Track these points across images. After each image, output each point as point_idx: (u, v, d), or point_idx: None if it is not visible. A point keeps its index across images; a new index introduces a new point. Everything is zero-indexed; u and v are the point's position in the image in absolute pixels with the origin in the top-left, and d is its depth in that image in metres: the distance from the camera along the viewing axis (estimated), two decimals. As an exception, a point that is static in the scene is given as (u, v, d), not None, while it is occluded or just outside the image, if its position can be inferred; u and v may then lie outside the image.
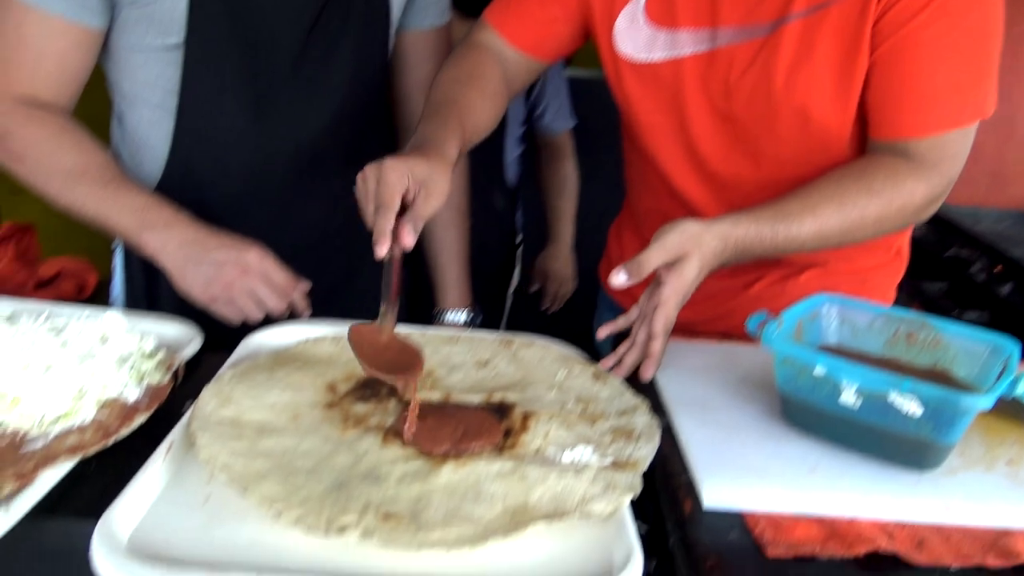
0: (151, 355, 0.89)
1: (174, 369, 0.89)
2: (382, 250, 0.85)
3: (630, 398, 0.90)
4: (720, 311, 1.23)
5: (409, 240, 0.88)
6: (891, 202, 1.00)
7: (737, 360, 1.02)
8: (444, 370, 0.96)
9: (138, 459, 0.74)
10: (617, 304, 1.38)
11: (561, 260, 2.09)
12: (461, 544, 0.66)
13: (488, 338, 1.04)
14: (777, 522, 0.72)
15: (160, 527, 0.68)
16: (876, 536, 0.70)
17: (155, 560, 0.63)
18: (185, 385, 0.89)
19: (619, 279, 0.91)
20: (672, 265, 0.93)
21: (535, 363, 0.98)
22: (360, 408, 0.86)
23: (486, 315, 1.51)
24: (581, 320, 1.52)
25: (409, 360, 0.86)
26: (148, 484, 0.71)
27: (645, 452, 0.79)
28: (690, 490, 0.76)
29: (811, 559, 0.68)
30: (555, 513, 0.70)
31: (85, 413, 0.78)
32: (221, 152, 1.16)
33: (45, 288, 1.41)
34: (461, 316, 1.36)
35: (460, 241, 1.37)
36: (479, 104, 1.09)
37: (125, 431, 0.77)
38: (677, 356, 0.99)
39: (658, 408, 0.90)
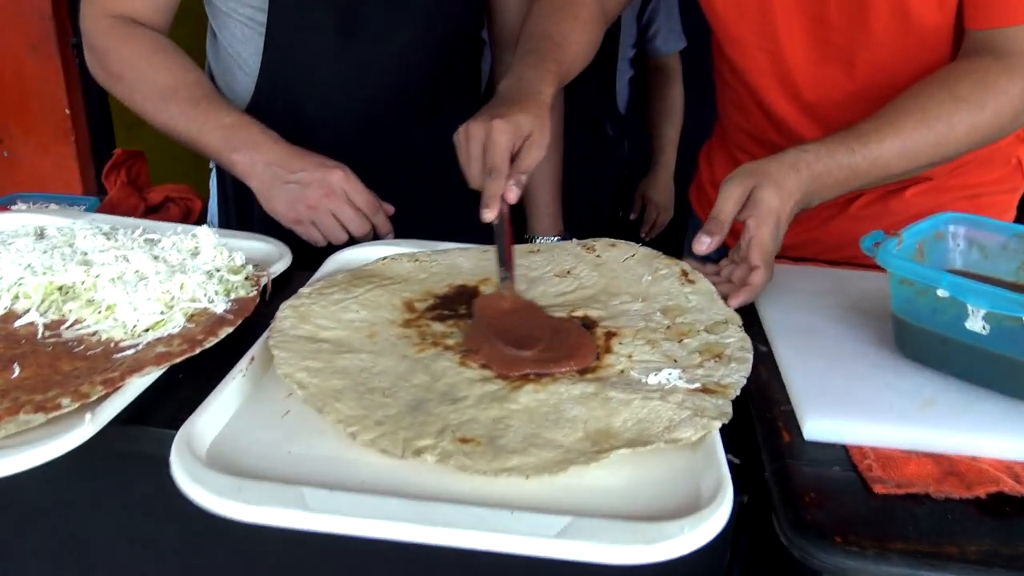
0: (239, 270, 0.89)
1: (262, 285, 0.89)
2: (492, 214, 0.85)
3: (721, 308, 0.84)
4: (819, 233, 1.15)
5: (514, 197, 0.86)
6: (982, 107, 0.89)
7: (843, 285, 0.94)
8: (524, 284, 0.93)
9: (223, 370, 0.74)
10: None
11: (663, 188, 2.03)
12: (540, 470, 0.62)
13: (569, 246, 0.99)
14: (886, 457, 0.66)
15: (239, 439, 0.68)
16: (1001, 476, 0.64)
17: (232, 471, 0.63)
18: (273, 302, 0.88)
19: (702, 243, 0.86)
20: (747, 202, 0.87)
21: (619, 266, 0.93)
22: (438, 327, 0.84)
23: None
24: (672, 246, 1.46)
25: (537, 326, 0.83)
26: (229, 397, 0.71)
27: (737, 377, 0.74)
28: (790, 420, 0.71)
29: (924, 498, 0.62)
30: (639, 439, 0.66)
31: (174, 323, 0.79)
32: (309, 69, 1.14)
33: (153, 214, 1.45)
34: (552, 242, 1.32)
35: (554, 165, 1.33)
36: (574, 36, 1.05)
37: (211, 342, 0.77)
38: (778, 280, 0.92)
39: (758, 334, 0.84)
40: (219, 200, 1.26)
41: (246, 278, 0.88)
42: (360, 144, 1.17)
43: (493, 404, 0.71)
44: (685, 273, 0.90)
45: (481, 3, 1.27)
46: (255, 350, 0.78)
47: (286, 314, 0.83)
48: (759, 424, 0.72)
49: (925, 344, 0.75)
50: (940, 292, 0.71)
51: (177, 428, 0.66)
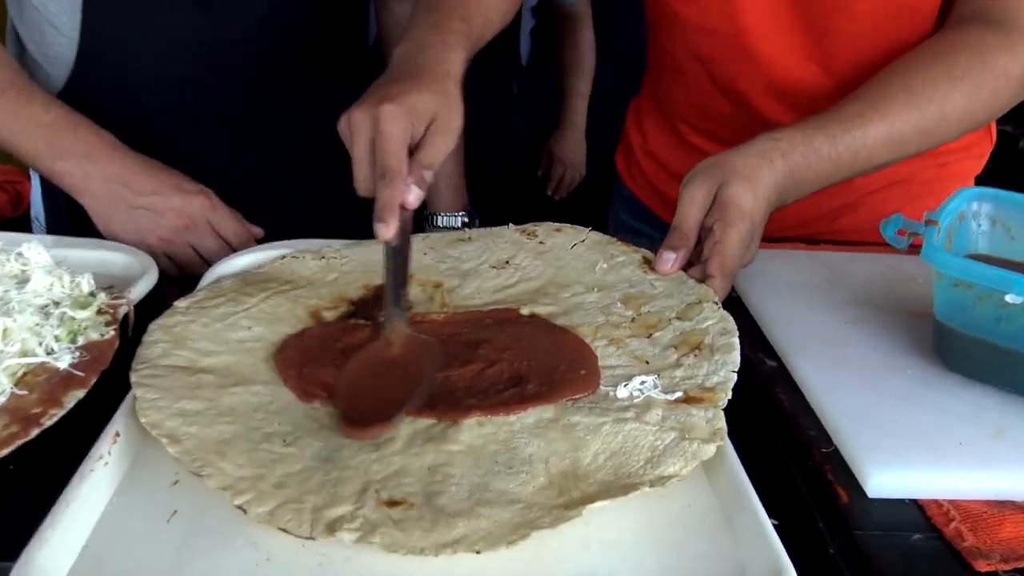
0: (86, 301, 0.65)
1: (120, 317, 0.66)
2: (389, 230, 0.62)
3: (692, 288, 0.70)
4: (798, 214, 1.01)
5: (415, 201, 0.65)
6: (979, 87, 0.77)
7: (838, 273, 0.81)
8: (455, 279, 0.75)
9: (77, 457, 0.52)
10: (636, 198, 1.16)
11: (572, 145, 1.87)
12: (493, 541, 0.47)
13: (505, 231, 0.81)
14: (973, 516, 0.52)
15: (104, 569, 0.47)
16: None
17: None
18: (138, 337, 0.66)
19: (666, 260, 0.72)
20: (713, 204, 0.71)
21: (567, 254, 0.77)
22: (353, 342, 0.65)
23: (496, 212, 1.28)
24: (594, 215, 1.30)
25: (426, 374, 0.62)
26: (85, 503, 0.50)
27: (724, 372, 0.60)
28: (839, 468, 0.56)
29: (1038, 572, 0.49)
30: (616, 483, 0.51)
31: (-4, 389, 0.56)
32: (146, 43, 0.89)
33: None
34: (456, 220, 1.13)
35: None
36: None
37: (54, 416, 0.54)
38: (759, 269, 0.77)
39: (761, 345, 0.69)
40: (43, 189, 0.98)
41: (99, 311, 0.65)
42: (227, 136, 0.94)
43: (428, 446, 0.55)
44: (647, 260, 0.74)
45: None
46: (120, 420, 0.56)
47: (155, 337, 0.63)
48: (799, 474, 0.57)
49: (982, 358, 0.61)
50: (1009, 298, 0.57)
51: (9, 559, 0.45)
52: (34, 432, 0.53)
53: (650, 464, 0.52)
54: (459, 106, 0.70)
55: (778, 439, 0.60)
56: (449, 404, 0.58)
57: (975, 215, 0.72)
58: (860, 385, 0.62)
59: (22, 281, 0.66)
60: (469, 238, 0.81)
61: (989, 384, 0.62)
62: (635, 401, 0.58)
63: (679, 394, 0.58)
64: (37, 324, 0.61)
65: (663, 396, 0.58)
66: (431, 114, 0.67)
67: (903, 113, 0.76)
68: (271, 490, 0.51)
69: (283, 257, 0.77)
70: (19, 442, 0.52)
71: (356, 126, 0.65)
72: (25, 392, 0.56)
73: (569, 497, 0.50)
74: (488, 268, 0.76)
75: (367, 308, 0.70)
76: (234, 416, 0.57)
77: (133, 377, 0.59)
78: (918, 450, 0.55)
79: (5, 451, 0.52)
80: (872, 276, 0.79)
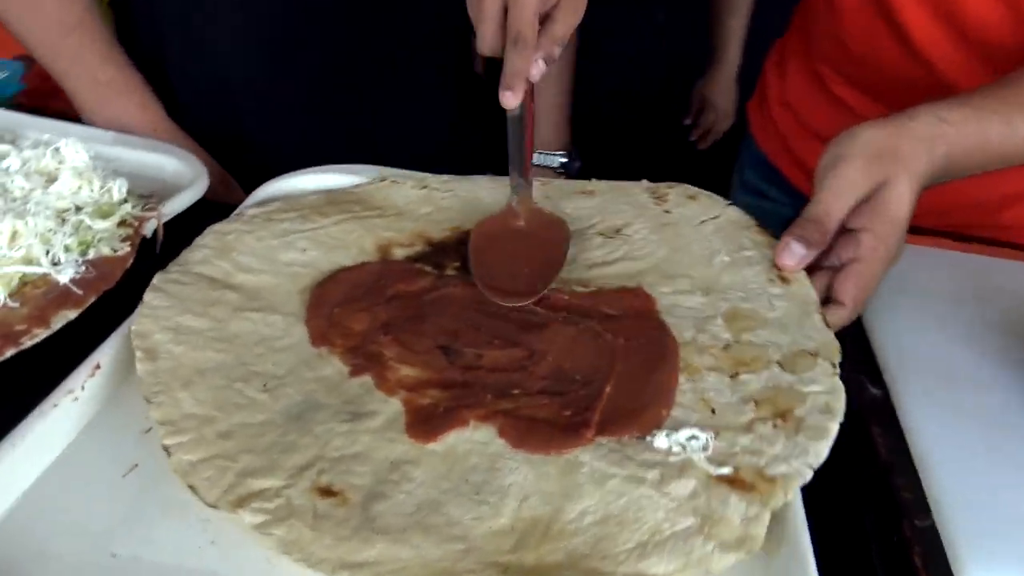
0: (111, 209, 0.60)
1: (148, 232, 0.61)
2: (516, 98, 0.59)
3: (815, 331, 0.52)
4: (949, 197, 0.84)
5: (538, 74, 0.60)
6: None
7: (995, 287, 0.65)
8: None
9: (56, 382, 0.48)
10: (765, 156, 1.01)
11: (724, 89, 1.69)
12: None
13: (634, 189, 0.68)
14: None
15: (38, 523, 0.42)
16: None
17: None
18: (168, 257, 0.60)
19: (794, 254, 0.56)
20: (867, 203, 0.56)
21: (691, 231, 0.63)
22: None
23: (619, 157, 1.16)
24: (718, 171, 1.16)
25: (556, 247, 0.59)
26: (41, 440, 0.45)
27: (798, 465, 0.43)
28: (932, 547, 0.44)
29: None
30: (582, 562, 0.40)
31: (-12, 299, 0.52)
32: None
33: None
34: (553, 160, 1.02)
35: (567, 63, 1.00)
36: None
37: (36, 336, 0.50)
38: (899, 268, 0.62)
39: (866, 366, 0.56)
40: None
41: (121, 222, 0.60)
42: (266, 68, 0.86)
43: (406, 434, 0.46)
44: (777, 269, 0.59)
45: None
46: (105, 350, 0.50)
47: (205, 241, 0.60)
48: (878, 550, 0.45)
49: None
50: None
51: None
52: (9, 352, 0.49)
53: (638, 551, 0.40)
54: None
55: (861, 494, 0.48)
56: (462, 393, 0.49)
57: None
58: (985, 446, 0.49)
59: (52, 180, 0.61)
60: (592, 191, 0.68)
61: None
62: (670, 459, 0.44)
63: (728, 469, 0.43)
64: (50, 230, 0.56)
65: (707, 466, 0.44)
66: None
67: None
68: (212, 438, 0.45)
69: (383, 180, 0.69)
70: (-7, 358, 0.48)
71: None
72: (16, 305, 0.52)
73: (519, 559, 0.40)
74: (595, 235, 0.63)
75: (443, 254, 0.61)
76: (231, 345, 0.51)
77: (156, 278, 0.55)
78: (1044, 548, 0.42)
79: (-29, 370, 0.47)
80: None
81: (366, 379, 0.50)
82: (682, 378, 0.49)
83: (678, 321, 0.54)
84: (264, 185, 0.69)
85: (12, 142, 0.66)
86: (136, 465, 0.46)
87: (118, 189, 0.62)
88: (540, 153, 1.04)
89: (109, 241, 0.57)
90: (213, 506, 0.41)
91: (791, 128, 0.96)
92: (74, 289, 0.53)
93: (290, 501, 0.41)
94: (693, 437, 0.45)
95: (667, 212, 0.65)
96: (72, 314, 0.52)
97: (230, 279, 0.57)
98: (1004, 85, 0.60)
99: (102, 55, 0.78)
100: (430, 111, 0.95)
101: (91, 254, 0.56)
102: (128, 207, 0.61)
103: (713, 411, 0.47)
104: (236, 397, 0.48)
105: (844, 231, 0.56)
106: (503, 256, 0.59)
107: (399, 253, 0.61)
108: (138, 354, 0.49)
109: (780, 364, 0.50)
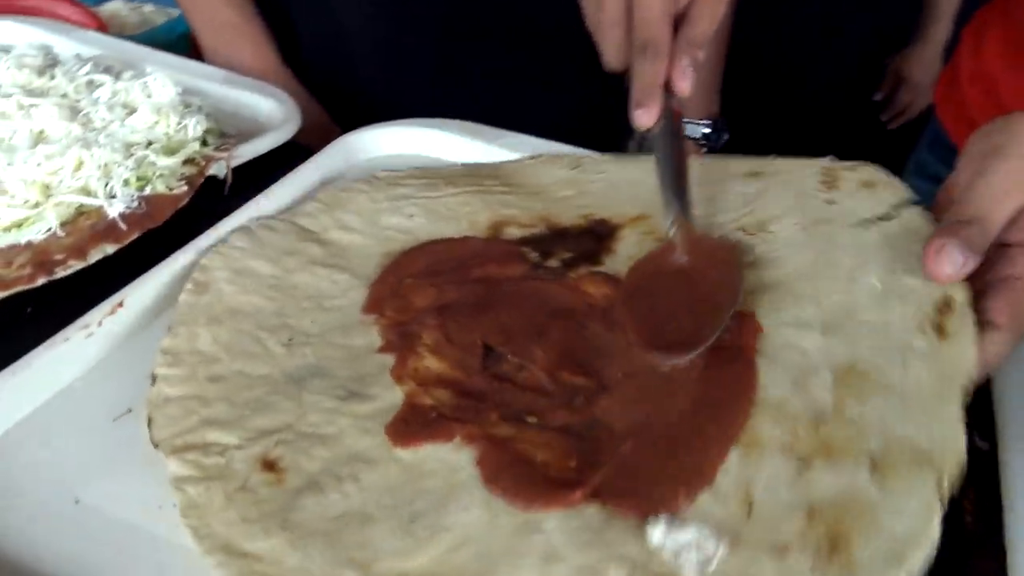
0: (180, 145, 0.60)
1: (215, 174, 0.60)
2: (649, 116, 0.50)
3: (947, 422, 0.38)
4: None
5: (687, 85, 0.51)
6: None
7: None
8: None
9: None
10: (946, 137, 0.87)
11: (926, 65, 1.50)
12: None
13: (807, 170, 0.55)
14: None
15: (21, 455, 0.42)
16: None
17: None
18: (235, 199, 0.59)
19: (953, 264, 0.43)
20: None
21: (847, 236, 0.49)
22: None
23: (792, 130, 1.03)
24: (896, 154, 1.00)
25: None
26: (41, 375, 0.45)
27: None
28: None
29: None
30: None
31: (42, 224, 0.53)
32: None
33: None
34: (696, 130, 0.92)
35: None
36: None
37: (67, 269, 0.51)
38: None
39: (978, 407, 0.45)
40: None
41: (189, 161, 0.60)
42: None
43: (384, 430, 0.42)
44: (947, 305, 0.43)
45: None
46: (133, 290, 0.50)
47: (322, 195, 0.59)
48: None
49: None
50: None
51: None
52: (40, 280, 0.50)
53: None
54: None
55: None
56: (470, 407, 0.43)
57: None
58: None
59: (132, 111, 0.62)
60: (760, 172, 0.57)
61: None
62: (651, 563, 0.34)
63: None
64: (114, 163, 0.56)
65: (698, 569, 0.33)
66: None
67: None
68: (201, 378, 0.44)
69: (537, 157, 0.62)
70: (19, 287, 0.49)
71: None
72: (63, 235, 0.53)
73: None
74: (735, 229, 0.53)
75: (558, 241, 0.54)
76: (282, 295, 0.50)
77: (253, 221, 0.56)
78: None
79: (2, 293, 0.48)
80: None
81: (389, 359, 0.46)
82: (734, 453, 0.38)
83: (775, 369, 0.42)
84: (342, 137, 0.67)
85: (118, 74, 0.68)
86: (130, 410, 0.45)
87: (193, 127, 0.62)
88: (684, 121, 0.95)
89: (167, 179, 0.57)
90: (155, 445, 0.40)
91: (983, 106, 0.82)
92: (120, 224, 0.53)
93: (229, 463, 0.39)
94: (690, 543, 0.34)
95: (830, 203, 0.52)
96: (111, 248, 0.52)
97: (324, 234, 0.55)
98: None
99: None
100: (562, 83, 0.88)
101: (148, 190, 0.56)
102: (196, 146, 0.60)
103: (750, 510, 0.36)
104: (252, 345, 0.47)
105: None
106: (660, 301, 0.48)
107: (513, 233, 0.55)
108: (189, 285, 0.49)
109: (872, 462, 0.37)
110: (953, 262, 0.43)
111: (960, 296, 0.43)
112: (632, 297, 0.48)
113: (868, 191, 0.52)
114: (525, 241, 0.54)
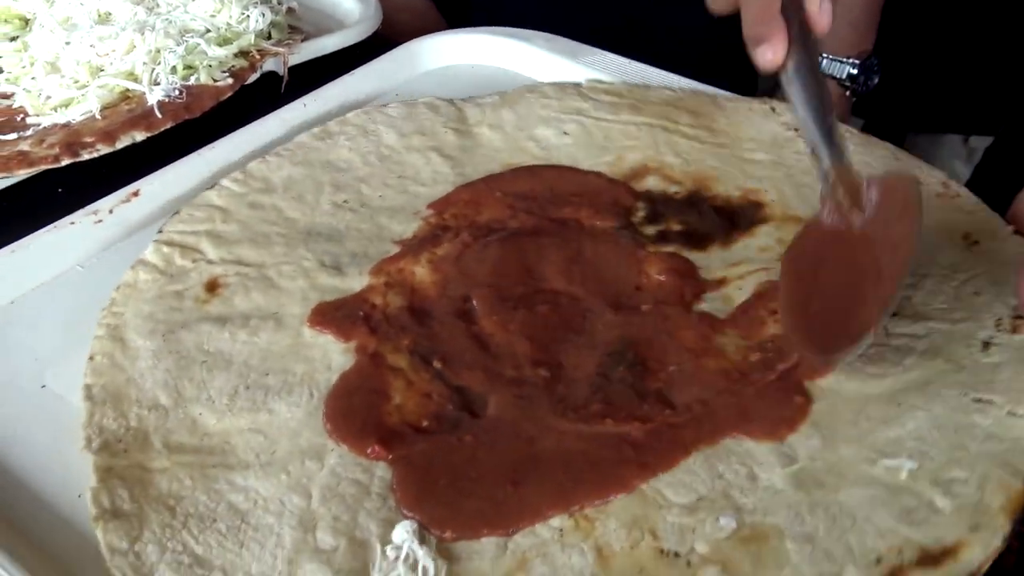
0: (234, 36, 0.57)
1: (260, 69, 0.57)
2: (775, 53, 0.39)
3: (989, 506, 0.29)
4: None
5: (826, 20, 0.40)
6: None
7: None
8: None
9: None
10: None
11: None
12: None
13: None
14: None
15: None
16: None
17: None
18: (289, 95, 0.57)
19: None
20: None
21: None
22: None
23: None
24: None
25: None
26: (36, 257, 0.44)
27: None
28: None
29: None
30: None
31: (86, 106, 0.52)
32: None
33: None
34: (842, 69, 0.78)
35: None
36: None
37: (93, 152, 0.49)
38: None
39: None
40: None
41: (243, 54, 0.57)
42: None
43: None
44: None
45: None
46: (153, 181, 0.49)
47: (503, 92, 0.56)
48: None
49: None
50: None
51: None
52: (65, 161, 0.49)
53: None
54: None
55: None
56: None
57: None
58: None
59: (199, -1, 0.60)
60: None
61: None
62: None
63: None
64: (165, 48, 0.55)
65: None
66: None
67: None
68: (244, 201, 0.48)
69: (766, 102, 0.54)
70: (43, 167, 0.48)
71: None
72: (100, 119, 0.52)
73: None
74: None
75: (686, 209, 0.46)
76: (379, 165, 0.51)
77: (400, 102, 0.55)
78: None
79: (24, 172, 0.48)
80: None
81: (396, 250, 0.45)
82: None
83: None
84: (412, 41, 0.62)
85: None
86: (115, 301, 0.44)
87: (257, 18, 0.59)
88: (824, 58, 0.82)
89: (213, 70, 0.55)
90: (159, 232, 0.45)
91: None
92: (156, 112, 0.52)
93: (190, 271, 0.43)
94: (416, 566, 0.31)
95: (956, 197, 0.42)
96: (140, 136, 0.50)
97: (474, 127, 0.54)
98: None
99: None
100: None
101: (192, 80, 0.54)
102: (251, 38, 0.58)
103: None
104: (309, 193, 0.49)
105: None
106: (819, 287, 0.39)
107: (649, 184, 0.49)
108: (316, 129, 0.53)
109: None
110: None
111: None
112: (792, 281, 0.39)
113: None
114: (650, 197, 0.48)
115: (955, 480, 0.29)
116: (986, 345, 0.34)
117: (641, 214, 0.46)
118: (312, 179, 0.49)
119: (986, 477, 0.29)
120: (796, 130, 0.49)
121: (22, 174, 0.48)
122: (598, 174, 0.50)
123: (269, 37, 0.60)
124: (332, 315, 0.41)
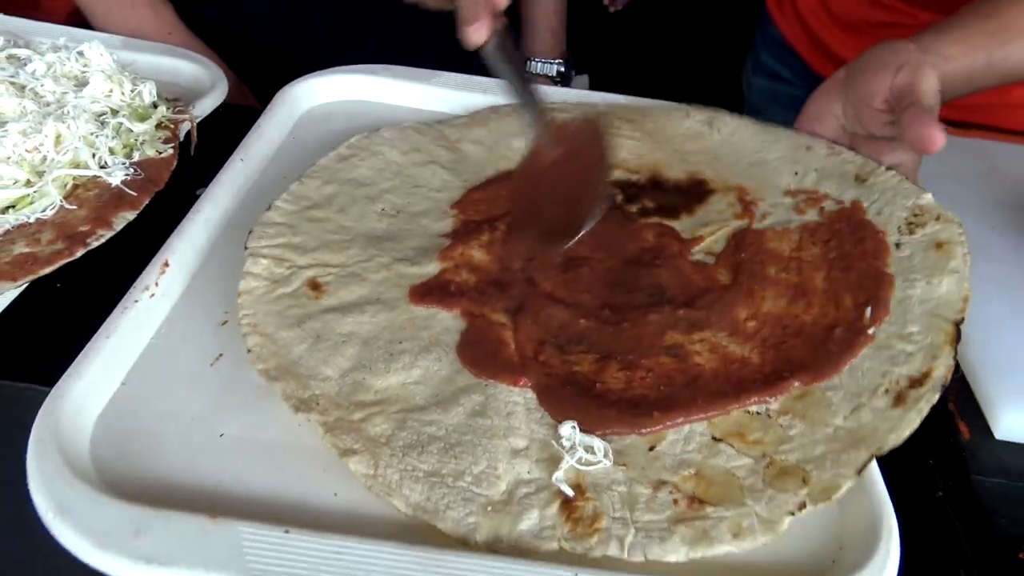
0: (146, 112, 0.60)
1: (182, 134, 0.61)
2: (479, 33, 0.53)
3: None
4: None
5: None
6: None
7: (995, 165, 0.69)
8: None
9: (123, 282, 0.49)
10: (782, 38, 0.98)
11: None
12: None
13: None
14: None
15: (140, 412, 0.44)
16: None
17: (128, 479, 0.40)
18: (199, 161, 0.61)
19: (939, 139, 0.53)
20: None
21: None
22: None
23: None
24: (727, 65, 1.15)
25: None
26: (128, 335, 0.46)
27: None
28: (962, 399, 0.48)
29: None
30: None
31: (46, 202, 0.52)
32: None
33: None
34: (552, 68, 1.02)
35: None
36: None
37: (101, 237, 0.51)
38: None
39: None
40: None
41: (159, 125, 0.60)
42: None
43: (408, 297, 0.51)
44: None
45: None
46: (172, 247, 0.51)
47: (474, 113, 0.67)
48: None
49: None
50: None
51: (44, 382, 0.43)
52: (79, 252, 0.50)
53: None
54: None
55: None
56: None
57: None
58: (1009, 308, 0.53)
59: (81, 84, 0.61)
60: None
61: None
62: (550, 443, 0.43)
63: (569, 491, 0.41)
64: (92, 134, 0.56)
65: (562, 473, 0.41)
66: None
67: None
68: (302, 216, 0.54)
69: (678, 107, 0.67)
70: (63, 261, 0.49)
71: None
72: (74, 207, 0.52)
73: None
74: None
75: (650, 192, 0.59)
76: (397, 179, 0.59)
77: (404, 126, 0.63)
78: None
79: (48, 269, 0.48)
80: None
81: (447, 242, 0.54)
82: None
83: None
84: (286, 87, 0.69)
85: (26, 46, 0.65)
86: (221, 355, 0.47)
87: (148, 92, 0.62)
88: (537, 61, 1.04)
89: (152, 144, 0.57)
90: (245, 248, 0.50)
91: (815, 11, 0.93)
92: (127, 191, 0.54)
93: (290, 276, 0.50)
94: (588, 447, 0.42)
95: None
96: (131, 215, 0.53)
97: (457, 143, 0.63)
98: (990, 16, 0.60)
99: None
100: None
101: (135, 156, 0.56)
102: (163, 110, 0.61)
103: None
104: (353, 206, 0.56)
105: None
106: (539, 199, 0.54)
107: (618, 175, 0.60)
108: (332, 152, 0.60)
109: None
110: (940, 136, 0.53)
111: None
112: (515, 200, 0.56)
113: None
114: (621, 185, 0.60)
115: (913, 333, 0.47)
116: (898, 246, 0.52)
117: (620, 197, 0.59)
118: (346, 194, 0.57)
119: (929, 326, 0.47)
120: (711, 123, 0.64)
121: (47, 271, 0.48)
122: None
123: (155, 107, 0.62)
124: (429, 293, 0.50)
